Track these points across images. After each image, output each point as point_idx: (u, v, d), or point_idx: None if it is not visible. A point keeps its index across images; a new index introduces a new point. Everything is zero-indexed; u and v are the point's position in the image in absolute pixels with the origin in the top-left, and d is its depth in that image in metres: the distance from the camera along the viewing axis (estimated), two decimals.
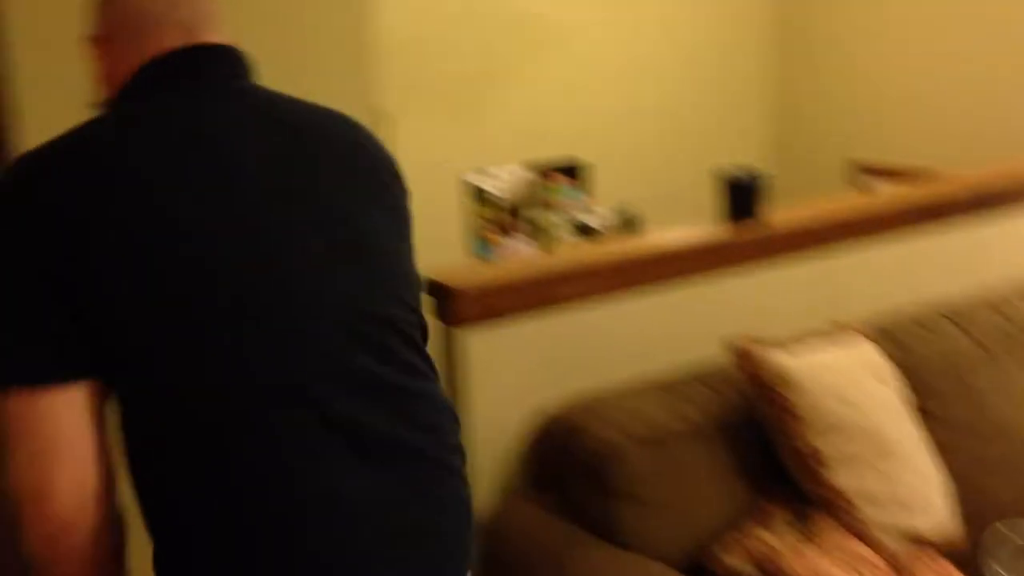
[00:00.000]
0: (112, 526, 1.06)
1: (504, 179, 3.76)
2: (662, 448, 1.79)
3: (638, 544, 1.73)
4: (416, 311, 1.18)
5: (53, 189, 0.97)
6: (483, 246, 3.75)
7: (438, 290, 1.84)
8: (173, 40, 1.14)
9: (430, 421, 1.13)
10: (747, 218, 2.11)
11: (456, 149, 3.62)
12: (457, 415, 1.21)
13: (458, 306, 1.80)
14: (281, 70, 2.49)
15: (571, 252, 2.01)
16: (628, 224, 3.99)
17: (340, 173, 1.15)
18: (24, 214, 0.97)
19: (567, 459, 1.85)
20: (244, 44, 2.44)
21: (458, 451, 1.18)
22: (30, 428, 0.97)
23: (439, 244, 3.63)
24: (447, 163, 3.61)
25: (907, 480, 1.77)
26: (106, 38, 1.17)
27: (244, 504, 0.99)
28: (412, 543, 1.06)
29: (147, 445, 1.02)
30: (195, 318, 0.98)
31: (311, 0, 2.53)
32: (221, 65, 1.18)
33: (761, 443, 1.84)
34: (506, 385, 1.90)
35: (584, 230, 3.93)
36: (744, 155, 4.09)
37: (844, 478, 1.73)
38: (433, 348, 1.99)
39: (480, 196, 3.71)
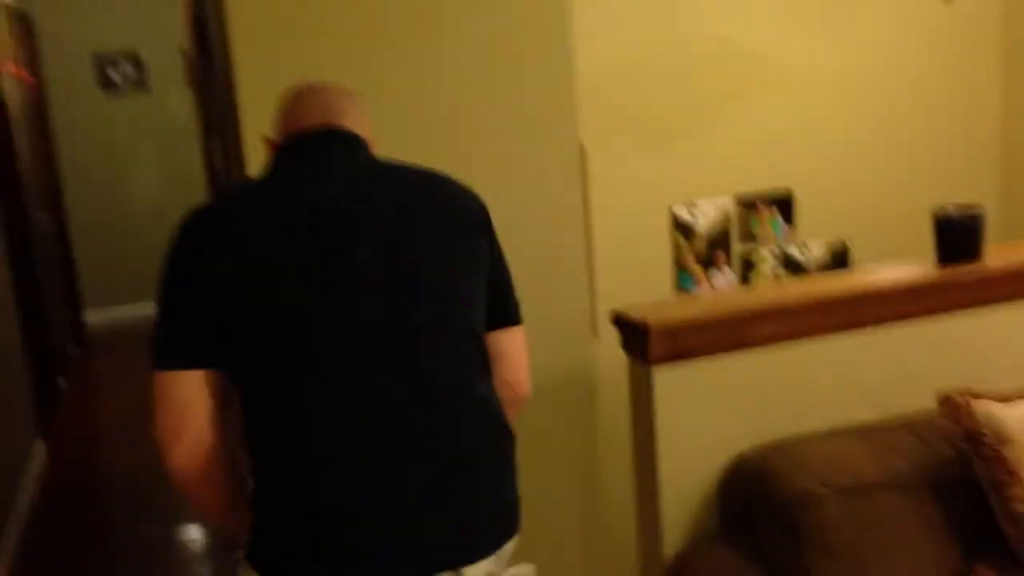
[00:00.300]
0: (224, 469, 1.46)
1: (711, 212, 3.70)
2: (862, 498, 1.70)
3: None
4: (470, 323, 1.49)
5: (192, 239, 1.43)
6: (688, 280, 3.70)
7: (628, 326, 1.84)
8: (310, 122, 1.57)
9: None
10: (965, 258, 1.98)
11: (664, 182, 3.59)
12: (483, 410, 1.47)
13: (648, 343, 1.79)
14: (489, 110, 2.59)
15: (768, 291, 1.95)
16: (840, 260, 3.83)
17: (412, 222, 1.49)
18: (179, 253, 1.43)
19: (760, 504, 1.79)
20: (453, 89, 2.56)
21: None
22: (169, 397, 1.40)
23: (644, 277, 3.61)
24: (654, 196, 3.59)
25: None
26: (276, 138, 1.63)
27: (289, 437, 1.39)
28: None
29: (244, 414, 1.43)
30: (267, 327, 1.39)
31: (516, 43, 2.61)
32: (335, 141, 1.56)
33: (973, 501, 1.71)
34: (697, 423, 1.87)
35: (792, 265, 3.80)
36: (970, 191, 3.83)
37: None
38: (623, 384, 1.99)
39: (686, 229, 3.67)
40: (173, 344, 1.41)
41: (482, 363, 1.50)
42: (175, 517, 3.75)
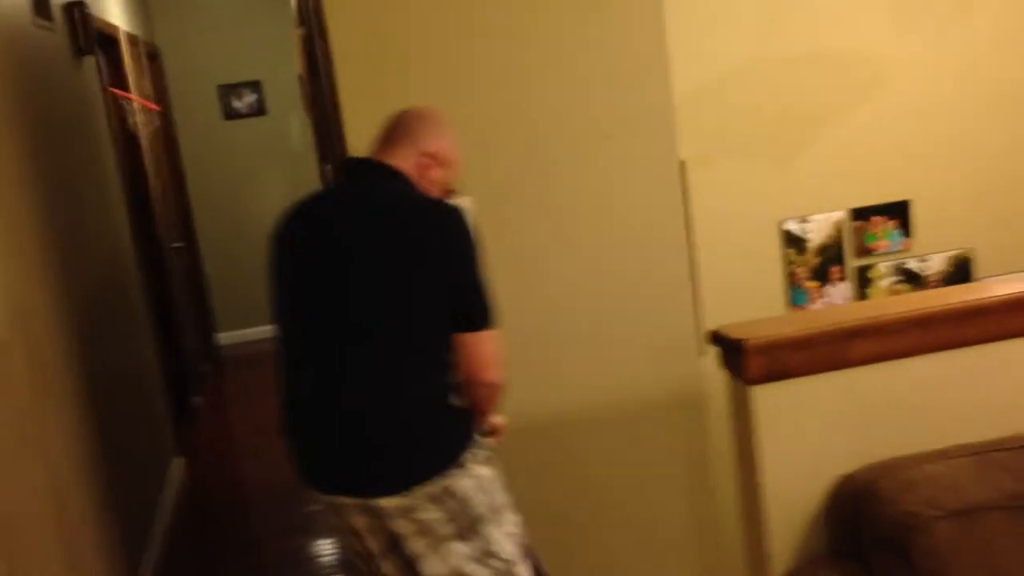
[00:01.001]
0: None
1: (823, 226, 3.63)
2: (974, 522, 1.64)
3: None
4: (418, 324, 1.92)
5: (275, 227, 2.06)
6: (802, 296, 3.64)
7: (725, 345, 1.83)
8: (368, 152, 2.09)
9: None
10: None
11: (773, 195, 3.54)
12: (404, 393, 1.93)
13: (746, 362, 1.78)
14: (587, 131, 2.62)
15: (867, 308, 1.91)
16: (962, 272, 3.69)
17: (385, 241, 1.92)
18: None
19: (868, 527, 1.75)
20: (555, 111, 2.59)
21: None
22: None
23: (757, 295, 3.56)
24: (764, 210, 3.54)
25: None
26: None
27: (300, 376, 2.00)
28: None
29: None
30: (290, 307, 2.01)
31: (612, 63, 2.62)
32: (365, 171, 2.06)
33: None
34: (799, 443, 1.84)
35: (912, 278, 3.68)
36: None
37: None
38: (723, 403, 1.98)
39: (798, 244, 3.61)
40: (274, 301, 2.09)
41: (427, 355, 1.91)
42: (314, 529, 3.87)
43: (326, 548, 3.76)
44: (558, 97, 2.60)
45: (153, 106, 5.78)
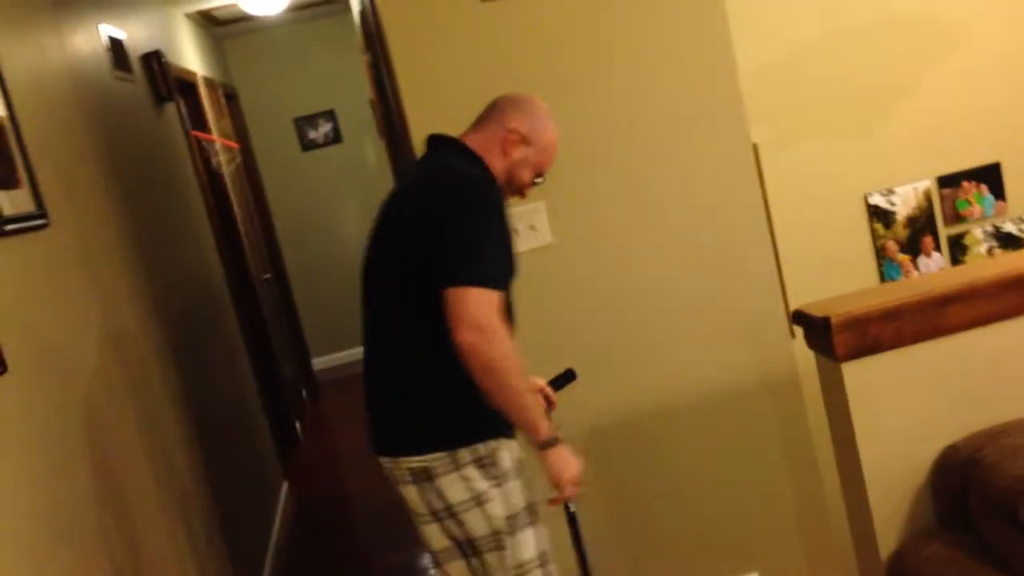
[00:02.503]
0: None
1: (910, 196, 3.53)
2: None
3: None
4: (415, 291, 1.93)
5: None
6: (895, 269, 3.55)
7: (810, 323, 1.80)
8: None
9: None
10: None
11: (856, 169, 3.46)
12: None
13: (832, 339, 1.75)
14: (663, 115, 2.60)
15: (956, 273, 1.86)
16: None
17: (399, 211, 2.02)
18: None
19: (975, 496, 1.71)
20: (627, 97, 2.57)
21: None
22: None
23: (845, 271, 3.48)
24: (847, 185, 3.47)
25: None
26: None
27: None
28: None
29: None
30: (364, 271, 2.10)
31: (674, 44, 2.60)
32: (432, 147, 2.10)
33: None
34: (896, 418, 1.80)
35: (1007, 240, 3.56)
36: None
37: None
38: (814, 382, 1.95)
39: (885, 216, 3.52)
40: None
41: (423, 326, 1.91)
42: (418, 542, 3.91)
43: (430, 560, 3.80)
44: (624, 95, 2.60)
45: (234, 144, 5.95)
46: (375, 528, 4.33)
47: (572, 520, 2.14)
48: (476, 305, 1.80)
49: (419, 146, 2.46)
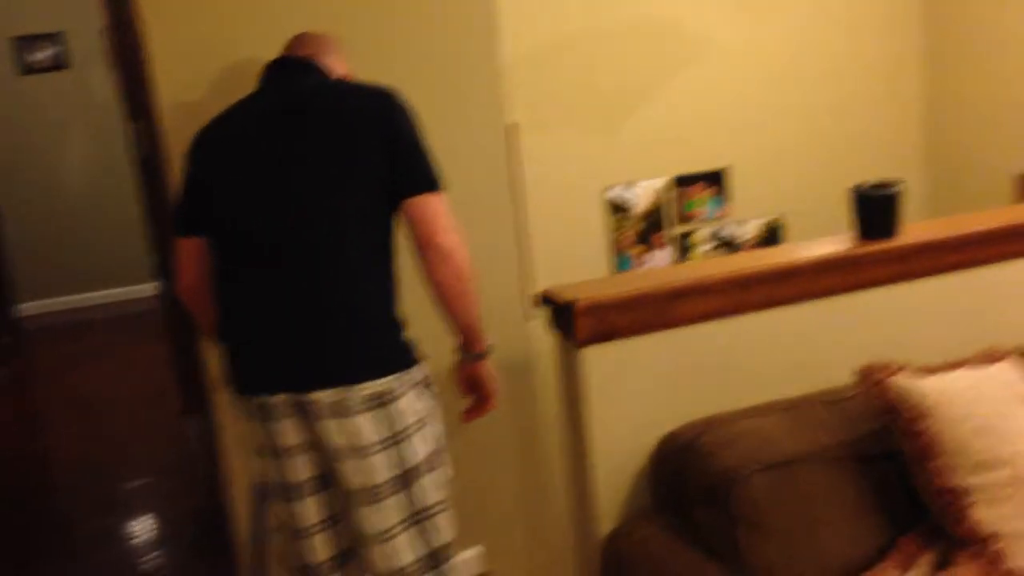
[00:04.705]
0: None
1: (645, 192, 3.71)
2: (789, 474, 1.71)
3: (763, 574, 1.66)
4: (355, 213, 1.88)
5: (195, 138, 2.01)
6: (626, 262, 3.71)
7: (556, 306, 1.83)
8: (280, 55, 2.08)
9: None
10: (883, 234, 2.00)
11: (598, 163, 3.59)
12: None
13: (576, 323, 1.78)
14: (419, 91, 2.55)
15: (692, 268, 1.95)
16: (773, 238, 3.87)
17: (314, 135, 1.89)
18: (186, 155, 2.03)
19: (689, 482, 1.80)
20: (383, 69, 2.50)
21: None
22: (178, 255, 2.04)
23: (583, 259, 3.60)
24: (589, 178, 3.59)
25: None
26: None
27: (236, 282, 1.96)
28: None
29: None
30: (220, 216, 1.95)
31: (442, 24, 2.56)
32: (287, 69, 2.02)
33: (898, 475, 1.73)
34: (627, 403, 1.87)
35: (727, 243, 3.83)
36: (894, 168, 3.90)
37: (991, 518, 1.61)
38: (552, 364, 1.99)
39: (621, 211, 3.68)
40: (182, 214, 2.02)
41: (367, 249, 1.87)
42: (128, 507, 3.69)
43: (140, 526, 3.58)
44: (379, 55, 2.52)
45: None
46: (78, 491, 4.02)
47: (263, 496, 2.14)
48: (446, 208, 1.87)
49: (162, 80, 2.27)
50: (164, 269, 3.88)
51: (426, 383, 1.96)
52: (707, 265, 1.99)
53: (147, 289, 6.37)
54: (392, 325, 1.91)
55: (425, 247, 1.85)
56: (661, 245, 3.75)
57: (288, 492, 1.95)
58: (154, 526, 3.56)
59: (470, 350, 1.97)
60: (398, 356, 1.88)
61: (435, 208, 1.86)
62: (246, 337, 1.93)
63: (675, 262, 3.75)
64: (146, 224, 4.63)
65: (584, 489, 1.93)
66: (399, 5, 2.50)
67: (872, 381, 1.71)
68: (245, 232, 1.91)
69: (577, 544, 2.03)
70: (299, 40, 2.09)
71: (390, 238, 1.91)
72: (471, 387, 2.01)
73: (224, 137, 1.97)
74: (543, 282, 2.18)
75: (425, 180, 1.87)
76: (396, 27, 2.49)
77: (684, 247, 3.77)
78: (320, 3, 2.45)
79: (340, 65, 2.10)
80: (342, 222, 1.86)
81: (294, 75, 1.99)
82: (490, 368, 2.00)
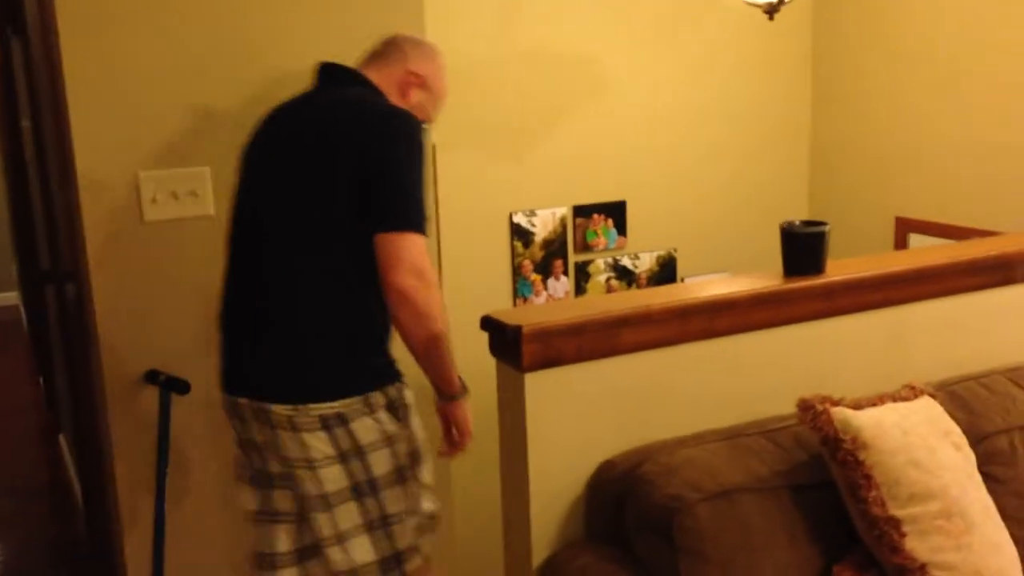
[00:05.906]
0: None
1: (549, 220, 3.73)
2: (730, 503, 1.73)
3: None
4: (323, 225, 1.88)
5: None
6: (527, 287, 3.72)
7: (499, 330, 1.80)
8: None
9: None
10: (810, 271, 2.07)
11: (505, 188, 3.60)
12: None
13: (522, 349, 1.76)
14: None
15: (634, 298, 1.96)
16: (667, 270, 3.95)
17: (305, 141, 1.91)
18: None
19: (631, 511, 1.79)
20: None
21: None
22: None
23: (486, 283, 3.60)
24: (496, 202, 3.59)
25: (983, 552, 1.71)
26: None
27: (230, 278, 2.04)
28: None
29: None
30: (233, 210, 2.04)
31: (369, 37, 2.51)
32: (330, 77, 2.04)
33: (831, 505, 1.77)
34: (566, 430, 1.85)
35: (622, 272, 3.89)
36: (782, 206, 4.07)
37: (923, 549, 1.66)
38: (492, 388, 1.96)
39: (525, 236, 3.69)
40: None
41: (332, 261, 1.85)
42: None
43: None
44: (301, 69, 2.45)
45: None
46: None
47: (160, 518, 2.24)
48: (415, 250, 1.83)
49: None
50: (27, 277, 3.62)
51: (393, 406, 1.93)
52: (648, 294, 2.00)
53: (10, 298, 5.97)
54: (355, 348, 1.88)
55: (384, 286, 1.84)
56: (560, 273, 3.77)
57: (261, 479, 2.01)
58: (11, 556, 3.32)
59: (441, 393, 2.00)
60: (356, 380, 1.87)
61: (398, 247, 1.83)
62: (227, 336, 2.00)
63: (574, 291, 3.78)
64: (12, 229, 4.33)
65: (520, 515, 1.90)
66: (328, 21, 2.45)
67: (813, 413, 1.75)
68: (236, 235, 2.00)
69: (509, 572, 1.99)
70: (388, 46, 2.10)
71: (365, 262, 1.86)
72: (446, 425, 2.04)
73: (255, 135, 2.04)
74: (450, 303, 2.15)
75: (394, 218, 1.84)
76: (325, 41, 2.43)
77: (583, 276, 3.81)
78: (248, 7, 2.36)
79: (422, 66, 2.08)
80: (303, 241, 1.86)
81: (328, 84, 2.01)
82: (464, 408, 2.02)
